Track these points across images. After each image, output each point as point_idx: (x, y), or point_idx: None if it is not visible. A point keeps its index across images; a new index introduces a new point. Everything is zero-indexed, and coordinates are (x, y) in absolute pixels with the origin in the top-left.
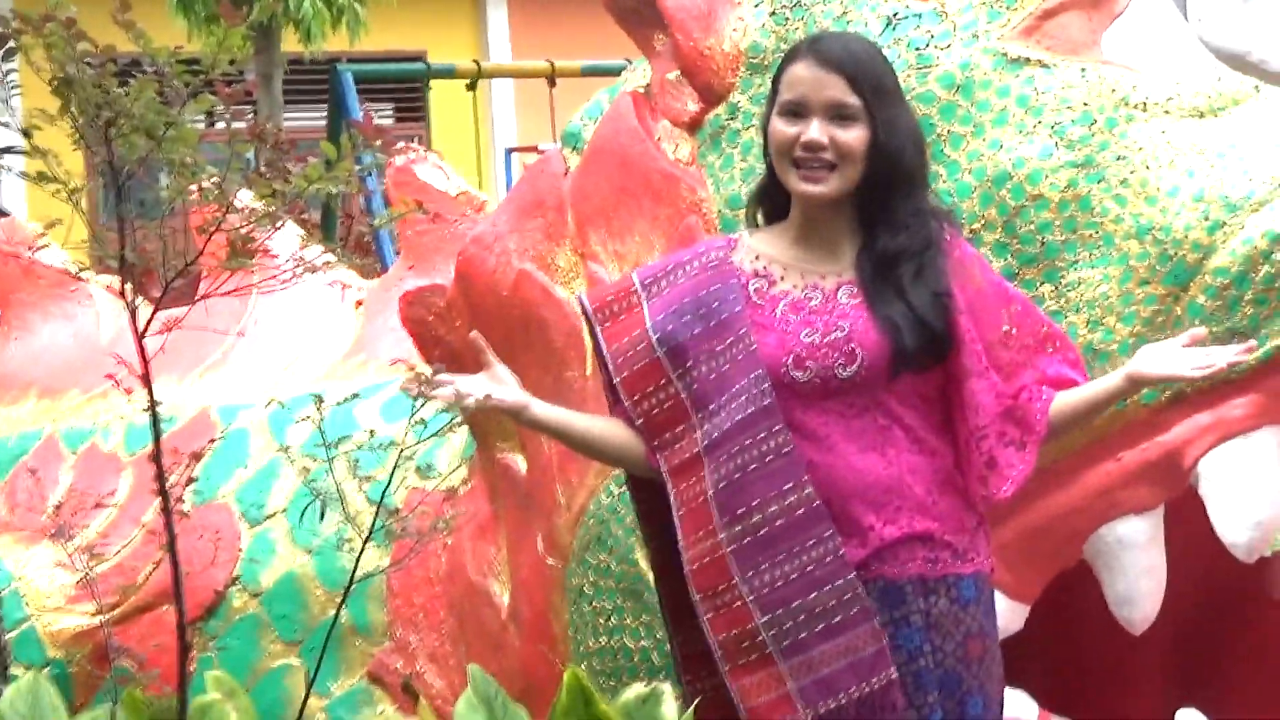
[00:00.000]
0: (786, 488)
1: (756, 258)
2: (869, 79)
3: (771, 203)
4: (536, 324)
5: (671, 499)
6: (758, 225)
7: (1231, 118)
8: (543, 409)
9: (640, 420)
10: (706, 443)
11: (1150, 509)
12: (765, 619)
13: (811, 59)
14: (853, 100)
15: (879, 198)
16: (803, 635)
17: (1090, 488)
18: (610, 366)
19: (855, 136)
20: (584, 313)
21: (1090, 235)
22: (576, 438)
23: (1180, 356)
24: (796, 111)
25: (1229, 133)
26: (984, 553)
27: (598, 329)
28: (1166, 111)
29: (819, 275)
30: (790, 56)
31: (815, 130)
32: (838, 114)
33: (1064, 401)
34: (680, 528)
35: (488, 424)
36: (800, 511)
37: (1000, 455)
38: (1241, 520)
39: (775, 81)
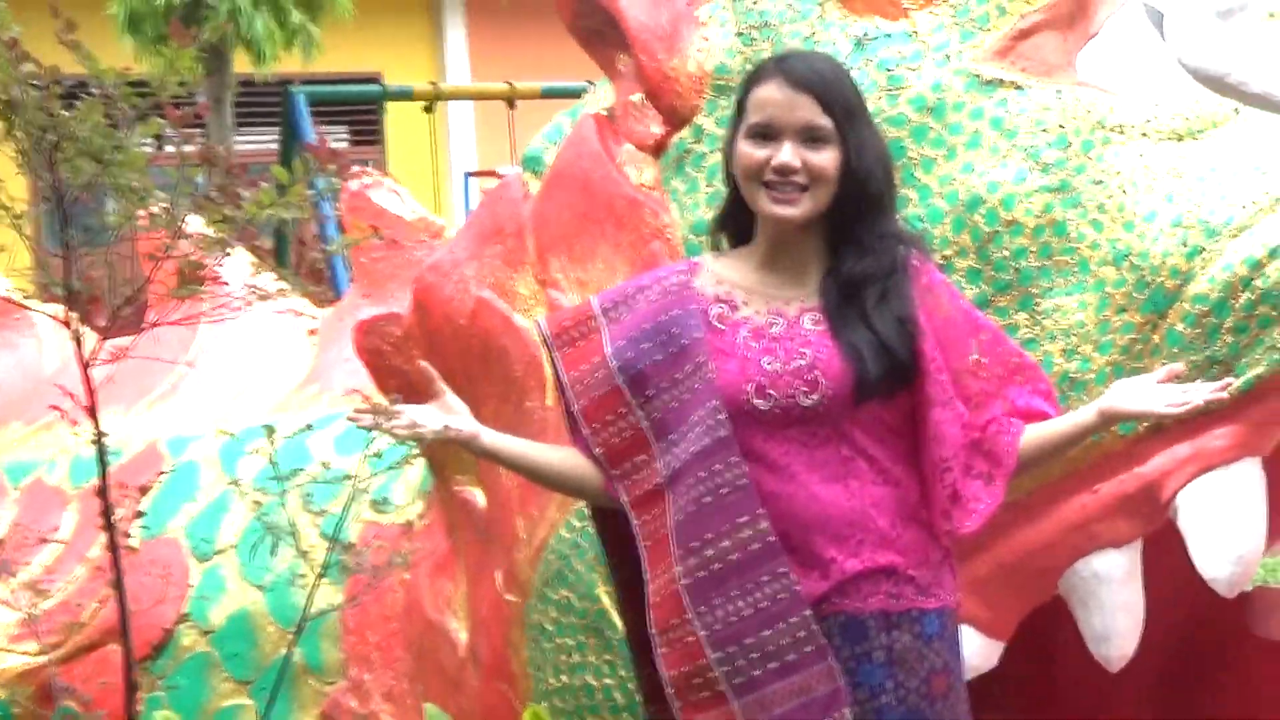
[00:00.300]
0: (741, 521)
1: (719, 283)
2: (840, 100)
3: (734, 227)
4: (496, 353)
5: (636, 531)
6: (720, 250)
7: (1210, 140)
8: (494, 438)
9: (600, 450)
10: (668, 474)
11: (1128, 543)
12: (718, 656)
13: (781, 79)
14: (824, 122)
15: (847, 221)
16: (756, 673)
17: (1066, 521)
18: (568, 394)
19: (827, 158)
20: (542, 338)
21: (1066, 261)
22: (531, 468)
23: (1155, 392)
24: (765, 134)
25: (1208, 156)
26: (949, 588)
27: (556, 355)
28: (1144, 134)
29: (782, 301)
30: (756, 77)
31: (787, 153)
32: (809, 136)
33: (1035, 435)
34: (645, 561)
35: (445, 456)
36: (755, 546)
37: (965, 488)
38: (1222, 554)
39: (740, 103)
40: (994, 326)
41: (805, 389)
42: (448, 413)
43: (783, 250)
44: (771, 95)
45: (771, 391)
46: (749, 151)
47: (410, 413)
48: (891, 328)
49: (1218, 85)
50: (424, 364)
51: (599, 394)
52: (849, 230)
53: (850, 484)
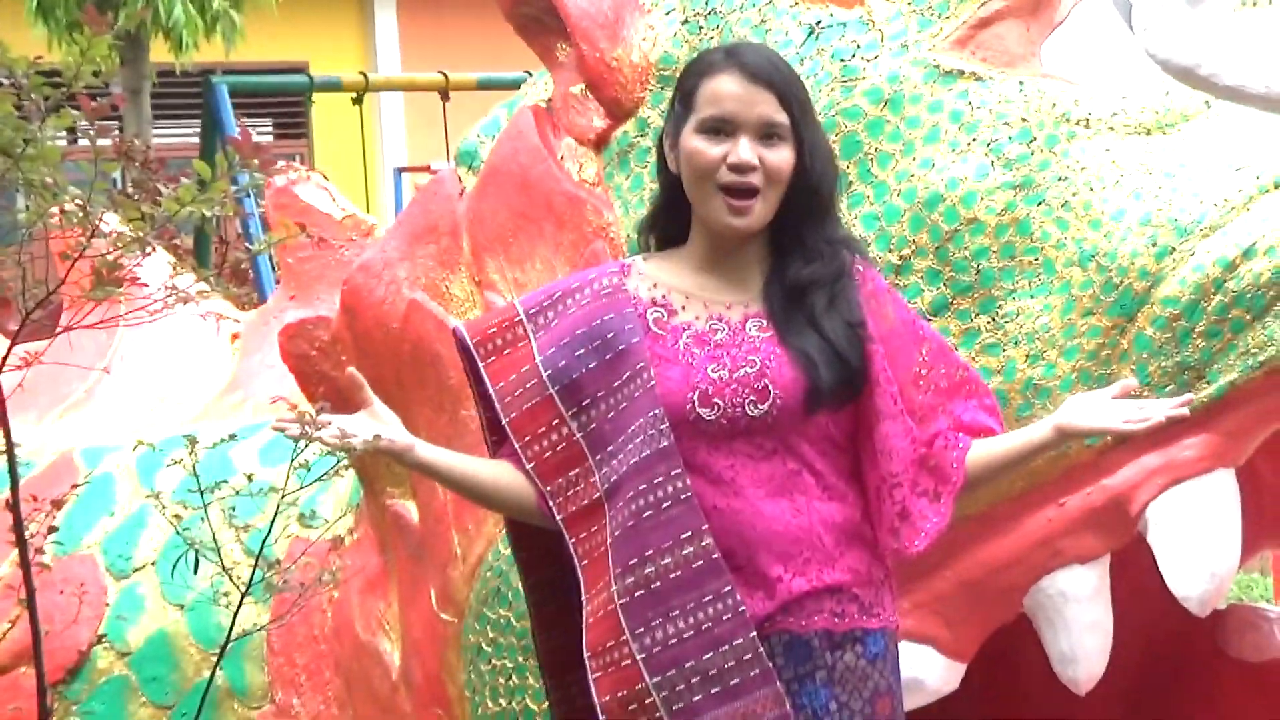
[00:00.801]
0: (683, 537)
1: (654, 285)
2: (796, 96)
3: (666, 226)
4: (429, 359)
5: (572, 550)
6: (648, 250)
7: (1181, 135)
8: (428, 451)
9: (531, 464)
10: (606, 487)
11: (1095, 558)
12: (656, 679)
13: (737, 72)
14: (782, 118)
15: (793, 224)
16: (697, 698)
17: (1030, 536)
18: (497, 406)
19: (784, 158)
20: (462, 346)
21: (1029, 262)
22: (466, 483)
23: (1111, 408)
24: (721, 129)
25: (1178, 151)
26: (890, 608)
27: (480, 365)
28: (1111, 128)
29: (724, 306)
30: (705, 68)
31: (745, 149)
32: (766, 133)
33: (984, 451)
34: (583, 581)
35: (376, 468)
36: (698, 564)
37: (914, 506)
38: (1193, 571)
39: (687, 95)
40: (939, 337)
41: (754, 398)
42: (378, 422)
43: (723, 252)
44: (728, 88)
45: (717, 400)
46: (702, 148)
47: (339, 422)
48: (842, 333)
49: (1188, 77)
50: (352, 371)
51: (530, 405)
52: (794, 234)
53: (797, 499)
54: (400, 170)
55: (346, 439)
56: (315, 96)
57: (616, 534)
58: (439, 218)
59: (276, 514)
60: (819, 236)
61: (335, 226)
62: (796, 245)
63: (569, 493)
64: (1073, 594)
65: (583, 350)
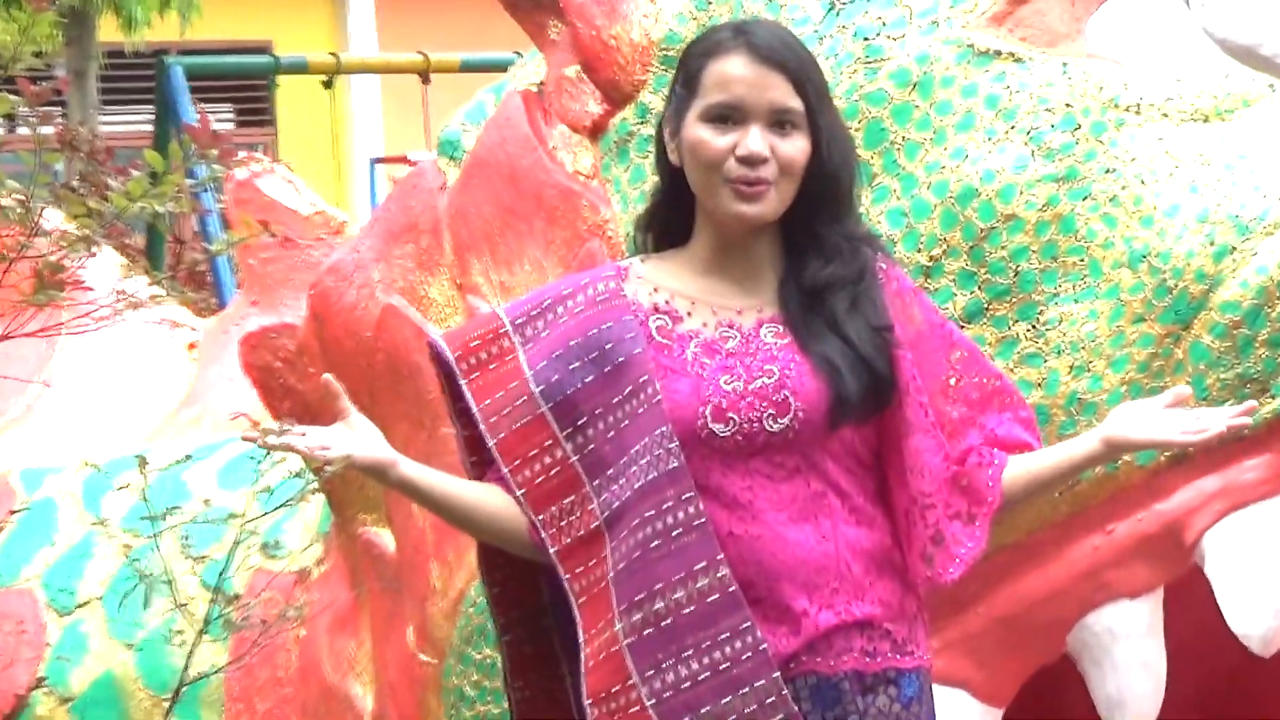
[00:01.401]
0: (697, 568)
1: (655, 290)
2: (812, 80)
3: (667, 223)
4: (406, 371)
5: (566, 586)
6: (646, 251)
7: (1241, 122)
8: (413, 469)
9: (522, 490)
10: (607, 514)
11: (1147, 592)
12: None
13: (747, 53)
14: (796, 104)
15: (808, 220)
16: None
17: (1074, 567)
18: (482, 427)
19: (798, 147)
20: (440, 360)
21: (1074, 263)
22: (454, 508)
23: (1165, 419)
24: (728, 116)
25: (1238, 140)
26: (924, 645)
27: (462, 381)
28: (1164, 114)
29: (734, 311)
30: (711, 48)
31: (756, 139)
32: (778, 120)
33: (1022, 469)
34: (580, 620)
35: (347, 492)
36: (713, 597)
37: (947, 530)
38: (1256, 607)
39: (691, 78)
40: (970, 343)
41: (773, 411)
42: (356, 436)
43: (731, 253)
44: (736, 71)
45: (732, 415)
46: (708, 138)
47: (315, 434)
48: (867, 338)
49: (1249, 58)
50: (327, 378)
51: (520, 425)
52: (810, 230)
53: (822, 523)
54: (375, 161)
55: (323, 452)
56: (280, 79)
57: (620, 566)
58: (418, 214)
59: (236, 543)
60: (838, 233)
61: (302, 224)
62: (813, 243)
63: (563, 522)
64: (1122, 631)
65: (578, 363)
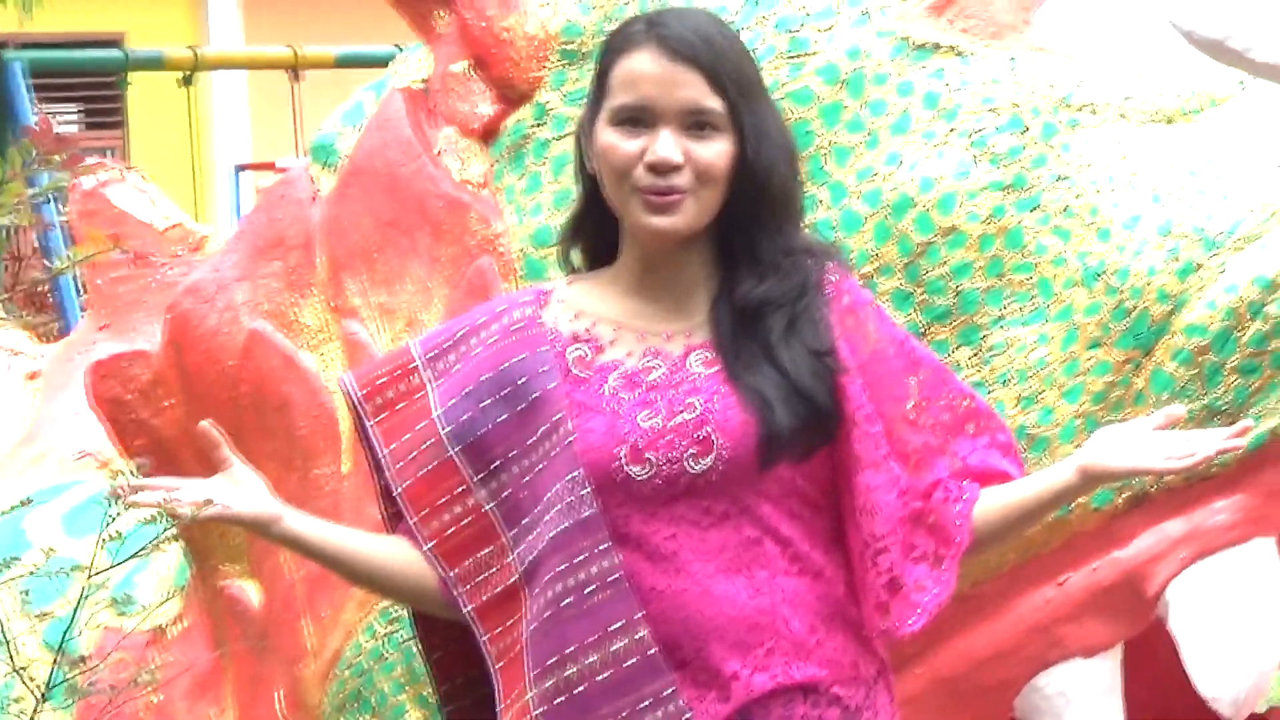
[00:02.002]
0: (612, 629)
1: (577, 316)
2: (733, 73)
3: (593, 240)
4: (275, 404)
5: (484, 648)
6: (573, 270)
7: (1208, 123)
8: (301, 523)
9: (431, 544)
10: (524, 568)
11: (1104, 650)
12: None
13: (656, 47)
14: (713, 103)
15: (742, 231)
16: None
17: (1024, 622)
18: (389, 473)
19: (717, 151)
20: (351, 403)
21: (1022, 282)
22: (351, 563)
23: (1150, 443)
24: (637, 119)
25: (1205, 143)
26: (885, 713)
27: (369, 424)
28: (1123, 115)
29: (662, 337)
30: (621, 43)
31: (666, 144)
32: (694, 122)
33: (996, 502)
34: (499, 687)
35: (208, 540)
36: (631, 661)
37: (907, 575)
38: (1226, 666)
39: (600, 76)
40: (935, 360)
41: (694, 450)
42: (239, 489)
43: (659, 270)
44: (644, 69)
45: (650, 455)
46: (615, 143)
47: (190, 489)
48: (804, 364)
49: (1217, 51)
50: (207, 425)
51: (426, 471)
52: (745, 242)
53: (756, 575)
54: (240, 168)
55: (206, 509)
56: (133, 76)
57: (533, 627)
58: (287, 228)
59: (83, 598)
60: (775, 246)
61: (157, 239)
62: (747, 258)
63: (479, 578)
64: (1076, 694)
65: (489, 401)
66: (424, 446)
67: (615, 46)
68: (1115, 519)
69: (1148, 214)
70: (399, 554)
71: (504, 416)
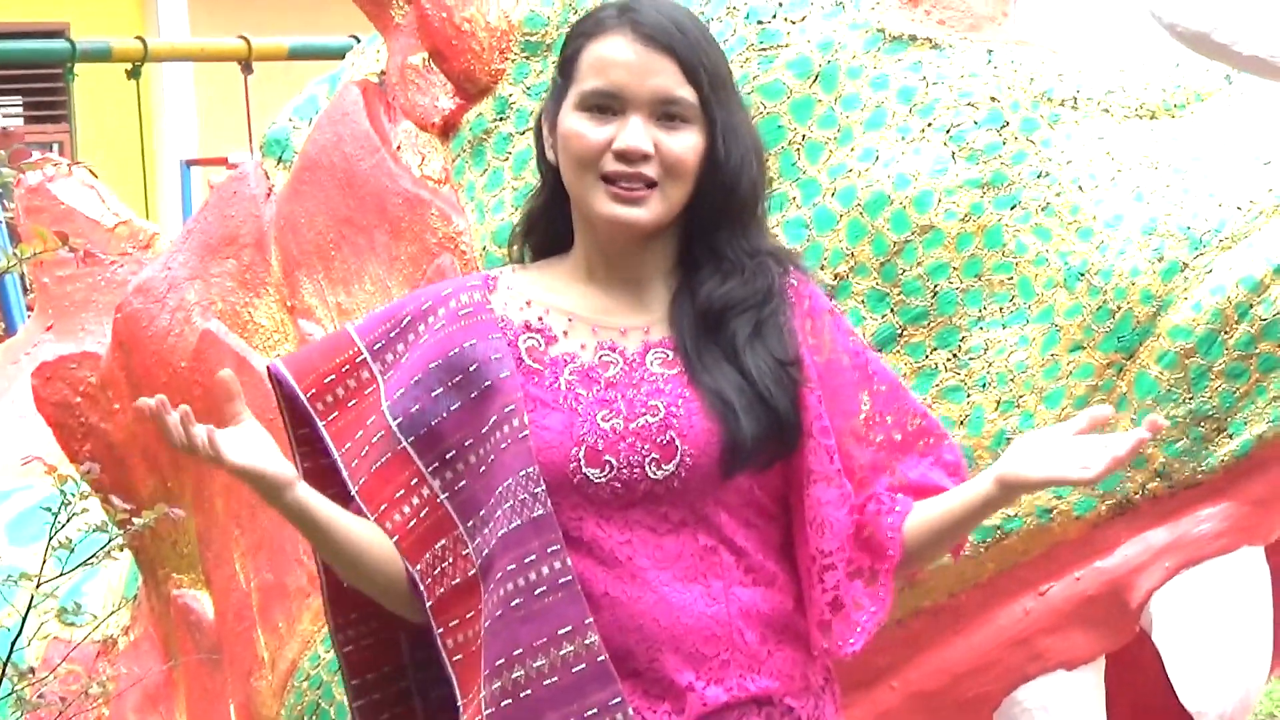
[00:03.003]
0: (561, 633)
1: (527, 304)
2: (706, 64)
3: (547, 234)
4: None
5: (439, 643)
6: (522, 261)
7: (1194, 119)
8: (311, 494)
9: (395, 538)
10: (480, 562)
11: (1086, 663)
12: None
13: (630, 33)
14: (685, 94)
15: (706, 228)
16: None
17: (1003, 634)
18: (345, 474)
19: (688, 144)
20: (288, 398)
21: (1001, 282)
22: (343, 545)
23: (1066, 451)
24: (606, 105)
25: (1190, 139)
26: None
27: (320, 425)
28: (1105, 110)
29: (618, 331)
30: (591, 28)
31: (636, 132)
32: (664, 112)
33: (922, 515)
34: (456, 683)
35: (159, 549)
36: (579, 667)
37: (847, 593)
38: (1212, 679)
39: (567, 62)
40: (891, 376)
41: (656, 456)
42: (252, 444)
43: (615, 263)
44: (616, 54)
45: (609, 459)
46: (581, 130)
47: (216, 435)
48: (768, 372)
49: (1201, 45)
50: (225, 375)
51: (379, 465)
52: (708, 240)
53: (712, 584)
54: (189, 163)
55: (216, 452)
56: (78, 68)
57: (486, 625)
58: (239, 225)
59: (30, 608)
60: (740, 247)
61: (106, 236)
62: (710, 257)
63: (437, 570)
64: (1057, 708)
65: (439, 390)
66: (373, 441)
67: (585, 31)
68: (1098, 527)
69: (1131, 212)
70: (383, 542)
71: (456, 405)
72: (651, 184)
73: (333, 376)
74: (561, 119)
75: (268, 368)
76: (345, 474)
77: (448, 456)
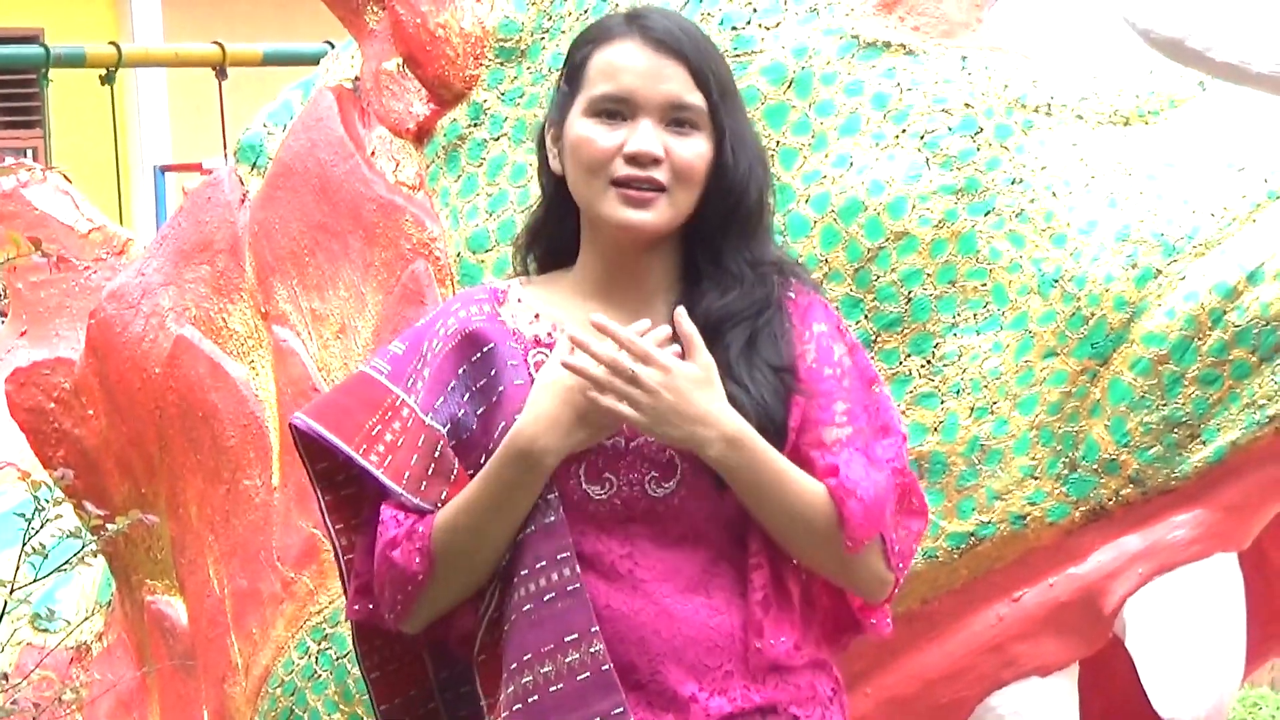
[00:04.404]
0: (568, 639)
1: (536, 318)
2: (715, 72)
3: (551, 245)
4: (201, 413)
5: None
6: (528, 272)
7: (1168, 125)
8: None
9: None
10: (505, 564)
11: (1060, 669)
12: None
13: (640, 38)
14: (696, 100)
15: (710, 238)
16: None
17: (976, 640)
18: (416, 500)
19: (698, 151)
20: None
21: (975, 288)
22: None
23: None
24: (617, 111)
25: (1164, 146)
26: None
27: (379, 473)
28: (1079, 116)
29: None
30: (599, 35)
31: (647, 136)
32: (674, 118)
33: None
34: (479, 681)
35: (133, 555)
36: (584, 675)
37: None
38: (1186, 687)
39: (575, 71)
40: (877, 397)
41: (656, 474)
42: None
43: (619, 276)
44: (627, 59)
45: (610, 476)
46: (591, 136)
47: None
48: (764, 381)
49: (1176, 51)
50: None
51: (432, 471)
52: (712, 252)
53: (714, 596)
54: (163, 169)
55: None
56: (52, 73)
57: (505, 629)
58: (213, 231)
59: (3, 614)
60: (743, 257)
61: (79, 242)
62: (713, 268)
63: None
64: (1031, 714)
65: (467, 394)
66: (420, 446)
67: (592, 38)
68: (1072, 534)
69: (1105, 219)
70: None
71: (482, 409)
72: (660, 189)
73: (379, 427)
74: (569, 126)
75: (297, 430)
76: (416, 500)
77: (481, 461)
